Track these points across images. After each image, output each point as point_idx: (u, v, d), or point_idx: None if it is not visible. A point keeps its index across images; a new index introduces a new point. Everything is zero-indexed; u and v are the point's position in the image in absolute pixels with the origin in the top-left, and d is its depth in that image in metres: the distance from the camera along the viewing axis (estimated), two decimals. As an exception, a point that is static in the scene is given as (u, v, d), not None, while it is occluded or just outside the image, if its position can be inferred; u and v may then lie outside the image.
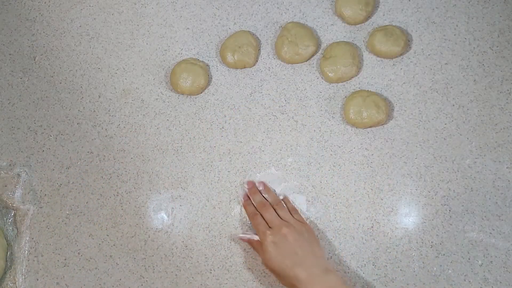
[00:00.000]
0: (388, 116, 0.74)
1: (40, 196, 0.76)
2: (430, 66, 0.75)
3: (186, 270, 0.72)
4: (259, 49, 0.79)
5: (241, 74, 0.79)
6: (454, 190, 0.71)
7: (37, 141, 0.79)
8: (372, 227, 0.71)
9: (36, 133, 0.79)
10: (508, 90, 0.73)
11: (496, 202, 0.70)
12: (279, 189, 0.74)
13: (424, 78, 0.75)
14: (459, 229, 0.69)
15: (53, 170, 0.77)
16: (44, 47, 0.83)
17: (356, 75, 0.76)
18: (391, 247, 0.70)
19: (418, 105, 0.74)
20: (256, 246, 0.68)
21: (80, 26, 0.83)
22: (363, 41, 0.78)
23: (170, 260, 0.72)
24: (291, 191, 0.73)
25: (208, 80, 0.78)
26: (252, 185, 0.74)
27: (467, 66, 0.75)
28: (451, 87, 0.74)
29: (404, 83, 0.75)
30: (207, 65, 0.79)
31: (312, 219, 0.72)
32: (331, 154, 0.74)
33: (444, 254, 0.69)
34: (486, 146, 0.72)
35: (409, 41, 0.77)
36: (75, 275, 0.73)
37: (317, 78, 0.77)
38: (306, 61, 0.78)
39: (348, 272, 0.70)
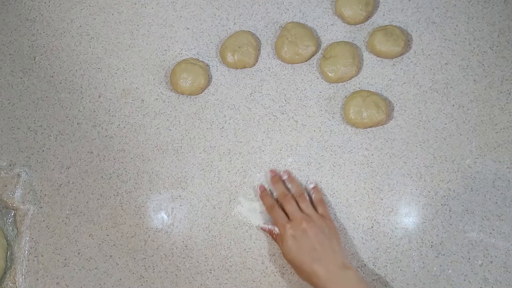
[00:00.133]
0: (388, 116, 0.74)
1: (40, 196, 0.76)
2: (430, 66, 0.75)
3: (186, 270, 0.72)
4: (259, 49, 0.79)
5: (241, 74, 0.79)
6: (454, 190, 0.71)
7: (37, 141, 0.79)
8: (372, 227, 0.71)
9: (36, 133, 0.79)
10: (508, 90, 0.73)
11: (496, 202, 0.70)
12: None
13: (424, 78, 0.75)
14: (459, 229, 0.69)
15: (53, 170, 0.77)
16: (44, 47, 0.83)
17: (356, 75, 0.76)
18: (391, 247, 0.70)
19: (418, 105, 0.74)
20: (277, 239, 0.68)
21: (80, 26, 0.83)
22: (363, 41, 0.78)
23: (170, 260, 0.72)
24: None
25: (208, 80, 0.78)
26: (275, 173, 0.73)
27: (467, 66, 0.75)
28: (451, 87, 0.74)
29: (404, 83, 0.75)
30: (207, 65, 0.79)
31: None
32: (331, 154, 0.74)
33: (444, 254, 0.69)
34: (486, 146, 0.72)
35: (409, 41, 0.77)
36: (75, 275, 0.73)
37: (317, 78, 0.77)
38: (306, 61, 0.78)
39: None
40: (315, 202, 0.70)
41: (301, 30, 0.77)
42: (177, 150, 0.77)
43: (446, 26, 0.77)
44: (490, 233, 0.69)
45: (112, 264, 0.73)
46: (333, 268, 0.62)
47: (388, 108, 0.73)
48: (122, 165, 0.77)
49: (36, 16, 0.85)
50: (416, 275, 0.69)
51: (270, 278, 0.70)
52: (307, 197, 0.71)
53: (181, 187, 0.75)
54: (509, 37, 0.75)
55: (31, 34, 0.84)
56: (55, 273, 0.73)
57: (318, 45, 0.78)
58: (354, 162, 0.73)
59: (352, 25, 0.78)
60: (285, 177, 0.72)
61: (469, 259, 0.68)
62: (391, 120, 0.74)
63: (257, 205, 0.73)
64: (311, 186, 0.72)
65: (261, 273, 0.71)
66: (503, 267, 0.67)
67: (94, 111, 0.79)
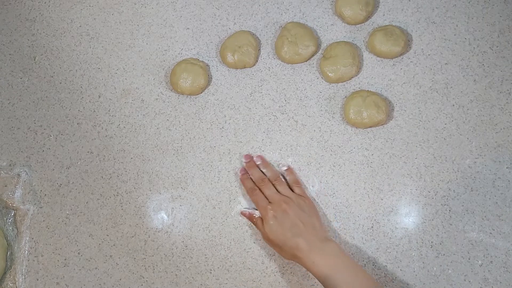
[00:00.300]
0: (388, 116, 0.74)
1: (40, 196, 0.76)
2: (430, 66, 0.75)
3: (186, 270, 0.72)
4: (259, 49, 0.79)
5: (241, 74, 0.79)
6: (454, 190, 0.71)
7: (37, 141, 0.79)
8: (372, 227, 0.71)
9: (36, 133, 0.79)
10: (508, 90, 0.73)
11: (496, 202, 0.70)
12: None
13: (424, 78, 0.75)
14: (459, 229, 0.69)
15: (53, 170, 0.77)
16: (44, 47, 0.83)
17: (356, 75, 0.76)
18: (391, 247, 0.70)
19: (418, 105, 0.74)
20: (257, 222, 0.69)
21: (80, 26, 0.83)
22: (363, 41, 0.78)
23: (170, 260, 0.72)
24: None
25: (208, 80, 0.78)
26: (249, 158, 0.74)
27: (467, 66, 0.75)
28: (451, 87, 0.74)
29: (404, 83, 0.75)
30: (207, 65, 0.79)
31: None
32: (331, 154, 0.74)
33: (444, 254, 0.69)
34: (486, 146, 0.72)
35: (409, 41, 0.77)
36: (75, 275, 0.73)
37: (317, 78, 0.77)
38: (306, 61, 0.78)
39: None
40: (290, 184, 0.72)
41: (301, 30, 0.77)
42: (177, 150, 0.77)
43: (446, 26, 0.77)
44: (490, 233, 0.69)
45: (112, 264, 0.73)
46: (315, 240, 0.64)
47: (388, 108, 0.73)
48: (122, 165, 0.77)
49: (36, 16, 0.85)
50: (416, 275, 0.69)
51: (270, 278, 0.70)
52: (283, 180, 0.72)
53: (181, 187, 0.75)
54: (509, 37, 0.75)
55: (31, 34, 0.84)
56: (55, 273, 0.73)
57: (318, 45, 0.78)
58: (354, 162, 0.73)
59: (352, 25, 0.78)
60: (259, 162, 0.73)
61: (469, 259, 0.68)
62: (391, 120, 0.74)
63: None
64: (284, 168, 0.73)
65: (261, 273, 0.71)
66: (503, 267, 0.67)
67: (94, 111, 0.79)
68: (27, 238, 0.74)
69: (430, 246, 0.69)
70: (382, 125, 0.74)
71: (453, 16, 0.77)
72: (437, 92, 0.74)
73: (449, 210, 0.70)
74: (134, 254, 0.73)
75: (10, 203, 0.76)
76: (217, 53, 0.80)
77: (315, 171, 0.74)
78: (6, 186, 0.76)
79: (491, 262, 0.68)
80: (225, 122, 0.77)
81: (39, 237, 0.75)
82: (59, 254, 0.74)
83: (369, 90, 0.75)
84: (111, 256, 0.73)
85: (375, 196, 0.72)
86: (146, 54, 0.81)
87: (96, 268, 0.73)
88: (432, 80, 0.75)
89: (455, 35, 0.76)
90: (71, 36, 0.83)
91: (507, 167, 0.71)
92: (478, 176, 0.71)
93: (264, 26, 0.80)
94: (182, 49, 0.81)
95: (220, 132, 0.77)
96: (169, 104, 0.79)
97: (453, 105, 0.74)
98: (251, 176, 0.73)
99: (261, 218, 0.69)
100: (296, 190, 0.71)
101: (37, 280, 0.73)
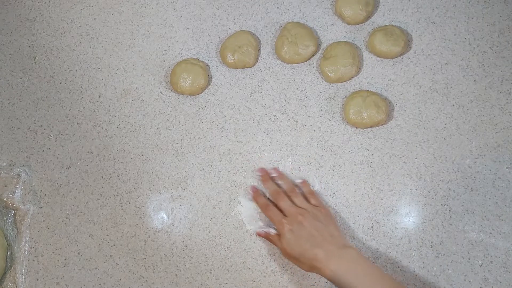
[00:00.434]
0: (388, 116, 0.74)
1: (40, 196, 0.76)
2: (430, 66, 0.75)
3: (186, 270, 0.72)
4: (259, 49, 0.79)
5: (241, 74, 0.79)
6: (454, 190, 0.71)
7: (37, 141, 0.79)
8: (372, 227, 0.71)
9: (36, 133, 0.79)
10: (508, 90, 0.73)
11: (496, 202, 0.70)
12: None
13: (424, 78, 0.75)
14: (459, 229, 0.69)
15: (53, 170, 0.77)
16: (44, 47, 0.83)
17: (356, 75, 0.76)
18: (391, 247, 0.70)
19: (418, 105, 0.74)
20: (273, 239, 0.69)
21: (80, 26, 0.83)
22: (363, 41, 0.78)
23: (170, 260, 0.72)
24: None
25: (208, 80, 0.78)
26: (264, 172, 0.73)
27: (467, 66, 0.75)
28: (451, 87, 0.74)
29: (404, 83, 0.75)
30: (207, 65, 0.79)
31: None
32: (331, 154, 0.74)
33: (444, 254, 0.69)
34: (486, 146, 0.72)
35: (409, 41, 0.77)
36: (75, 275, 0.73)
37: (317, 78, 0.77)
38: (306, 61, 0.78)
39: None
40: (306, 195, 0.71)
41: (301, 30, 0.77)
42: (177, 150, 0.77)
43: (446, 26, 0.77)
44: (490, 233, 0.69)
45: (112, 264, 0.73)
46: (333, 249, 0.63)
47: (388, 108, 0.73)
48: (122, 165, 0.77)
49: (36, 16, 0.85)
50: (416, 275, 0.68)
51: (270, 278, 0.70)
52: (298, 192, 0.71)
53: (181, 187, 0.75)
54: (509, 37, 0.75)
55: (31, 34, 0.84)
56: (55, 273, 0.73)
57: (318, 45, 0.78)
58: (354, 162, 0.73)
59: (352, 25, 0.78)
60: (274, 174, 0.73)
61: (469, 259, 0.68)
62: (391, 120, 0.74)
63: (257, 205, 0.73)
64: (299, 181, 0.73)
65: (261, 273, 0.71)
66: (503, 267, 0.67)
67: (94, 111, 0.79)
68: (27, 238, 0.74)
69: (430, 246, 0.69)
70: (382, 125, 0.74)
71: (453, 16, 0.77)
72: (437, 92, 0.74)
73: (449, 210, 0.70)
74: (134, 254, 0.73)
75: (10, 203, 0.76)
76: (217, 53, 0.80)
77: (315, 171, 0.74)
78: (6, 186, 0.76)
79: (491, 262, 0.68)
80: (225, 122, 0.77)
81: (39, 237, 0.75)
82: (59, 254, 0.74)
83: (369, 90, 0.75)
84: (111, 256, 0.73)
85: (375, 196, 0.72)
86: (146, 54, 0.81)
87: (96, 268, 0.73)
88: (432, 80, 0.75)
89: (455, 35, 0.76)
90: (71, 36, 0.83)
91: (507, 167, 0.71)
92: (478, 176, 0.71)
93: (264, 26, 0.80)
94: (182, 49, 0.81)
95: (220, 132, 0.77)
96: (169, 104, 0.79)
97: (453, 105, 0.74)
98: (266, 189, 0.72)
99: (278, 234, 0.68)
100: (312, 200, 0.70)
101: (37, 280, 0.73)
